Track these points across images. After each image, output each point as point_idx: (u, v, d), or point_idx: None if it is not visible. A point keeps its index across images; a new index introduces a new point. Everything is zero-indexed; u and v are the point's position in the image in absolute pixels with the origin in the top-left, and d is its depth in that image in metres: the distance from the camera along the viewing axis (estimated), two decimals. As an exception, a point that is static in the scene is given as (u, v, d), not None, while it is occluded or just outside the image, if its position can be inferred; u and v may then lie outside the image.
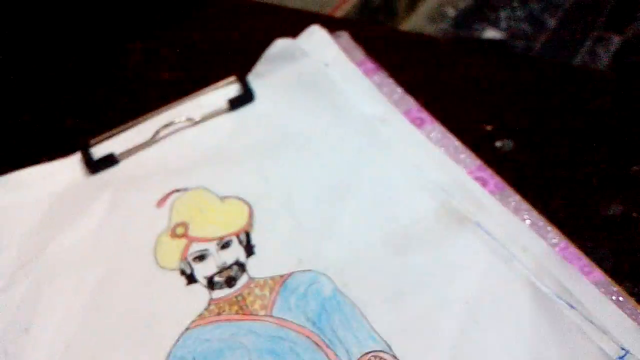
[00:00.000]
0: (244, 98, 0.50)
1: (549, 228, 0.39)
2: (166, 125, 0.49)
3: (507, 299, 0.36)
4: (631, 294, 0.36)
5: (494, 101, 0.49)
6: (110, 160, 0.48)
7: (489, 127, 0.47)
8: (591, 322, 0.34)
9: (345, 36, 0.52)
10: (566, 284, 0.36)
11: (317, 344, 0.36)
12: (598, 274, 0.36)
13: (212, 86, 0.51)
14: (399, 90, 0.48)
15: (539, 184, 0.43)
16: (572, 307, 0.35)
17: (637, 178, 0.43)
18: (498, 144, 0.45)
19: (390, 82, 0.49)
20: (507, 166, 0.43)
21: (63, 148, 0.49)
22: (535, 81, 0.51)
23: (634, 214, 0.41)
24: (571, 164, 0.44)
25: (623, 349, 0.33)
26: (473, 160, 0.43)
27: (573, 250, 0.37)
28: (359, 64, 0.50)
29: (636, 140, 0.45)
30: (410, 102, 0.47)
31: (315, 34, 0.52)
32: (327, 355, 0.35)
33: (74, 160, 0.48)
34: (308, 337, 0.36)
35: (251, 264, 0.40)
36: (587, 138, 0.46)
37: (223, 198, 0.44)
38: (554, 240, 0.38)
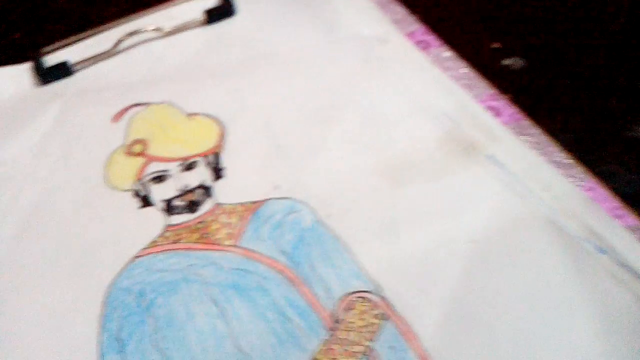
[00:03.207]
0: (223, 10, 0.44)
1: (573, 165, 0.33)
2: (130, 34, 0.42)
3: (523, 239, 0.30)
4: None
5: (504, 16, 0.43)
6: (63, 70, 0.41)
7: (496, 45, 0.40)
8: (625, 268, 0.28)
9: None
10: (595, 227, 0.30)
11: (290, 280, 0.29)
12: (631, 218, 0.30)
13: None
14: (402, 9, 0.42)
15: (553, 105, 0.37)
16: (602, 251, 0.29)
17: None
18: (506, 61, 0.39)
19: (392, 1, 0.42)
20: (517, 86, 0.37)
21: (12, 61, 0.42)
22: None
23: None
24: (588, 83, 0.38)
25: None
26: (485, 88, 0.37)
27: (602, 191, 0.31)
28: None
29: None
30: (414, 23, 0.41)
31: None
32: (302, 293, 0.29)
33: (23, 69, 0.42)
34: (280, 271, 0.30)
35: (219, 188, 0.34)
36: (606, 54, 0.40)
37: (190, 115, 0.38)
38: (579, 179, 0.32)
